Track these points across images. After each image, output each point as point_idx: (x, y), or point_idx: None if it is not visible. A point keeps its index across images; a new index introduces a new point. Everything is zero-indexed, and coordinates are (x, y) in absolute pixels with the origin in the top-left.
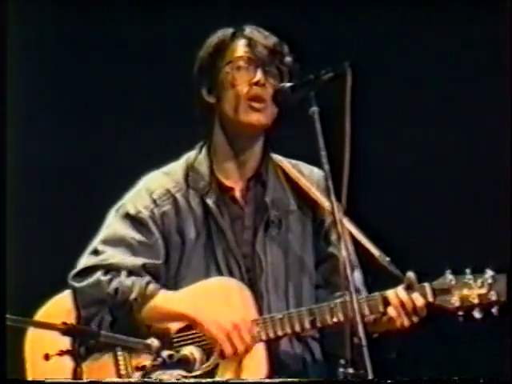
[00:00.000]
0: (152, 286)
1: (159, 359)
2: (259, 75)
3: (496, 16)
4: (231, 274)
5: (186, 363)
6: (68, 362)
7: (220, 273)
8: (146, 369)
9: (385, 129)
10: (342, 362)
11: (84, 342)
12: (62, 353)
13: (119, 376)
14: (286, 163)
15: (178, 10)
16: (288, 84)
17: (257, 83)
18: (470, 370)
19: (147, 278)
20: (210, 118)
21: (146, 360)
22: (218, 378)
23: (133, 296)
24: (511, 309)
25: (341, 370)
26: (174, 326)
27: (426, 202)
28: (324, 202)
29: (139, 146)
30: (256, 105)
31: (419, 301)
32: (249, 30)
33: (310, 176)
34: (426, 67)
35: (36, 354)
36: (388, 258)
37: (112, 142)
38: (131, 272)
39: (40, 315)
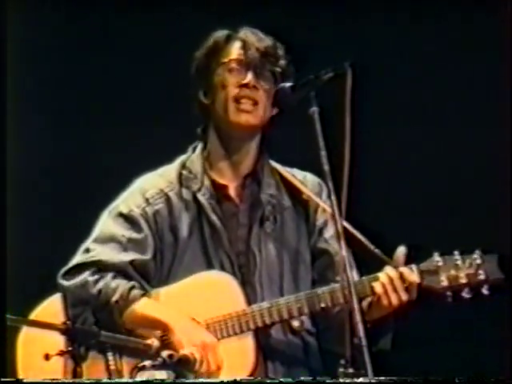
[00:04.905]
0: (136, 291)
1: (159, 359)
2: (249, 77)
3: (496, 16)
4: (224, 271)
5: (186, 363)
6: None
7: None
8: (146, 369)
9: (385, 129)
10: (342, 361)
11: (84, 341)
12: (62, 353)
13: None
14: (280, 167)
15: (178, 11)
16: (288, 84)
17: (246, 85)
18: (471, 370)
19: (133, 283)
20: (206, 119)
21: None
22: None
23: (114, 298)
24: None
25: (341, 369)
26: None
27: (424, 198)
28: (317, 203)
29: (138, 147)
30: (245, 106)
31: (407, 273)
32: (243, 32)
33: (303, 179)
34: (426, 67)
35: (28, 354)
36: (373, 246)
37: (112, 144)
38: (119, 271)
39: (35, 316)
